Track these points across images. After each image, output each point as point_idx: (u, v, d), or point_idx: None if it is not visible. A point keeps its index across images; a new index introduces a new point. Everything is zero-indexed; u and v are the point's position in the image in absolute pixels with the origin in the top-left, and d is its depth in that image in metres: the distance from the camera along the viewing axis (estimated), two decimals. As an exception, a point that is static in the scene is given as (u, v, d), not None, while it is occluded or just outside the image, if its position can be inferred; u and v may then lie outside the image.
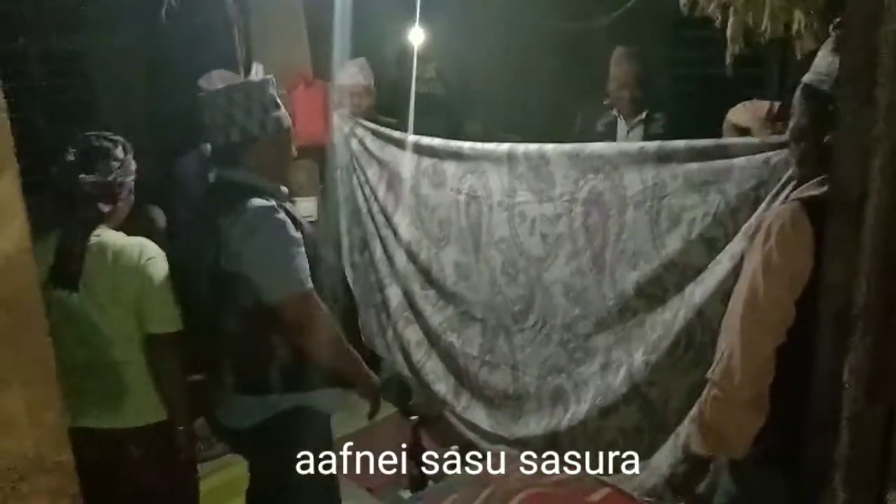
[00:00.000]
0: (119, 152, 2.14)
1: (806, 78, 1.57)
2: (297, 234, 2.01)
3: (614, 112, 3.50)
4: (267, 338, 2.05)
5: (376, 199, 3.44)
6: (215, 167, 2.17)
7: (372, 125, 3.50)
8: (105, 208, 2.10)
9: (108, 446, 2.11)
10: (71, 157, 2.09)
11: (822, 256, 1.42)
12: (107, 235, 2.09)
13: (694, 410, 1.71)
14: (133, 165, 2.19)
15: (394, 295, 3.37)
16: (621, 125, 3.48)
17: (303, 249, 2.00)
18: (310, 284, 1.99)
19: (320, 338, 2.03)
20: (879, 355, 1.30)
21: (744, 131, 2.98)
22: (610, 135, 3.47)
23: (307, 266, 2.00)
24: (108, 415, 2.11)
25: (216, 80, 3.24)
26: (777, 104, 2.81)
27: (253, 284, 1.96)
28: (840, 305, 1.35)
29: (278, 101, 2.14)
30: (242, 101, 2.05)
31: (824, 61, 1.54)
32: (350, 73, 3.73)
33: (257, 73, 3.42)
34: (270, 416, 2.07)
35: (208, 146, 3.29)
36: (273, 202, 2.02)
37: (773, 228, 1.50)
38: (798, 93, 1.59)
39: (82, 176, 2.06)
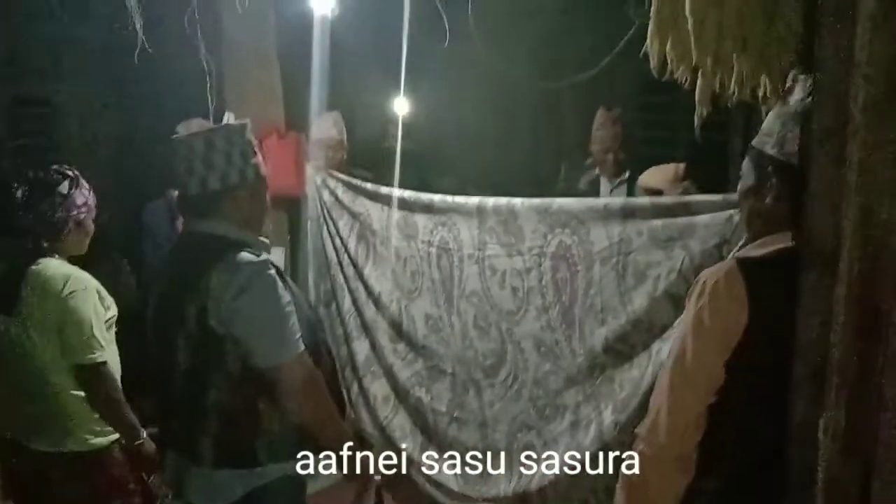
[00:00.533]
0: (64, 187, 2.26)
1: (754, 141, 1.60)
2: (287, 292, 1.90)
3: (597, 171, 3.54)
4: (254, 404, 1.88)
5: (346, 250, 3.42)
6: (188, 218, 2.02)
7: (344, 177, 3.51)
8: (46, 242, 2.24)
9: (41, 467, 2.24)
10: (17, 193, 2.23)
11: (762, 316, 1.42)
12: (44, 264, 2.22)
13: (623, 466, 1.68)
14: (81, 200, 2.29)
15: (361, 349, 3.32)
16: (604, 184, 3.52)
17: (293, 308, 1.89)
18: (303, 345, 1.87)
19: (313, 400, 1.91)
20: (855, 413, 1.28)
21: (656, 193, 3.14)
22: (593, 192, 3.50)
23: (298, 326, 1.89)
24: (41, 438, 2.24)
25: (194, 127, 3.25)
26: (682, 166, 3.05)
27: (244, 347, 1.82)
28: (814, 362, 1.34)
29: (255, 147, 2.02)
30: (223, 146, 1.92)
31: (769, 123, 1.57)
32: (324, 127, 3.76)
33: (229, 121, 3.43)
34: (254, 488, 1.90)
35: (175, 194, 3.29)
36: (264, 256, 1.90)
37: (707, 287, 1.50)
38: (746, 156, 1.62)
39: (20, 213, 2.22)
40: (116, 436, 2.31)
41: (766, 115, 1.74)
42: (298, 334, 1.86)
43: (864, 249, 1.23)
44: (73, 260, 2.35)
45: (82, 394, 2.24)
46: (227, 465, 1.90)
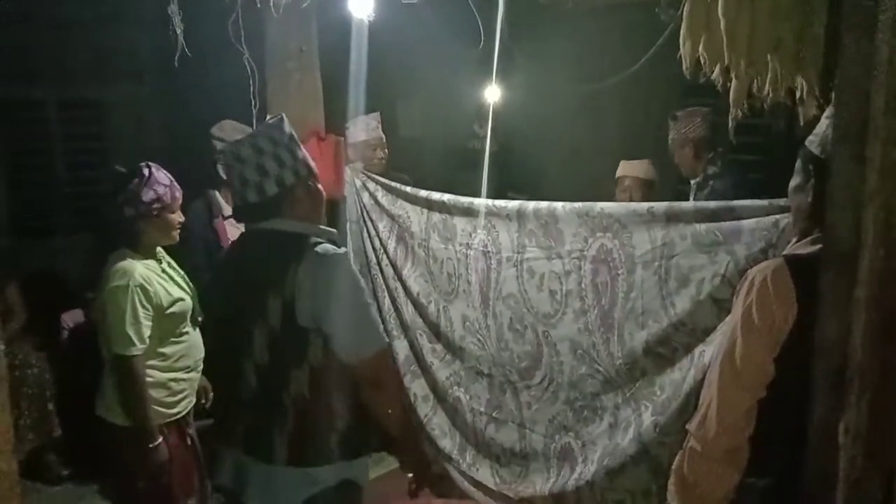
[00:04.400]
0: (134, 184, 2.40)
1: (807, 140, 1.63)
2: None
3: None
4: (330, 399, 1.88)
5: (386, 251, 3.47)
6: (246, 221, 2.03)
7: (383, 180, 3.56)
8: (120, 235, 2.44)
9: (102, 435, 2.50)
10: (102, 188, 2.49)
11: (811, 314, 1.42)
12: (112, 257, 2.42)
13: (675, 462, 1.70)
14: (151, 196, 2.42)
15: (401, 348, 3.36)
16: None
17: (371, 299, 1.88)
18: (387, 338, 1.88)
19: (396, 393, 1.95)
20: (876, 414, 1.28)
21: (650, 183, 3.63)
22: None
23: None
24: (98, 405, 2.50)
25: (228, 129, 3.33)
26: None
27: (333, 341, 1.81)
28: (835, 363, 1.35)
29: (298, 140, 2.02)
30: (270, 149, 1.91)
31: (820, 123, 1.60)
32: (368, 127, 3.84)
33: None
34: (317, 492, 1.88)
35: (214, 194, 3.36)
36: (344, 249, 1.91)
37: (755, 284, 1.52)
38: (799, 154, 1.65)
39: (101, 207, 2.48)
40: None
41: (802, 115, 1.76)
42: (382, 326, 1.89)
43: (884, 250, 1.24)
44: (167, 251, 2.60)
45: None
46: (302, 462, 1.88)
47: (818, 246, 1.50)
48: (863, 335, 1.28)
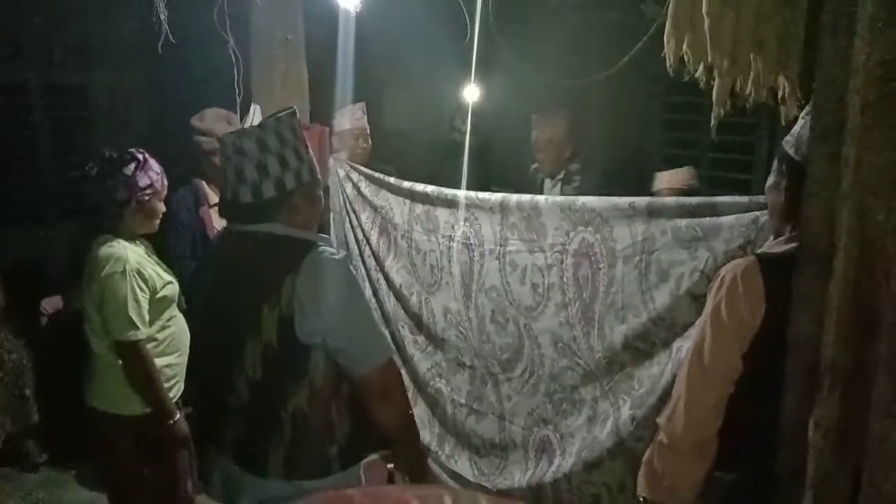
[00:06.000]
0: (129, 169, 2.40)
1: (784, 140, 1.65)
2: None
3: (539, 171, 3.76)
4: (329, 412, 1.77)
5: (368, 242, 3.46)
6: (234, 221, 1.85)
7: (367, 170, 3.55)
8: (108, 220, 2.43)
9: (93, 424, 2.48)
10: (90, 171, 2.41)
11: (780, 312, 1.44)
12: (97, 243, 2.41)
13: (646, 454, 1.72)
14: (145, 182, 2.43)
15: (382, 339, 3.36)
16: (547, 183, 3.74)
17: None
18: (393, 346, 1.77)
19: (404, 404, 1.82)
20: (846, 410, 1.31)
21: (678, 193, 3.29)
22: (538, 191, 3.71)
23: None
24: (89, 394, 2.48)
25: (210, 118, 3.31)
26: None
27: (339, 354, 1.70)
28: (808, 360, 1.37)
29: (307, 141, 1.85)
30: (276, 147, 1.74)
31: (797, 123, 1.62)
32: (353, 116, 3.83)
33: (255, 114, 3.47)
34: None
35: (200, 183, 3.33)
36: (343, 253, 1.76)
37: (725, 282, 1.55)
38: (776, 153, 1.68)
39: (90, 190, 2.42)
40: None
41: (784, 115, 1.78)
42: (387, 335, 1.79)
43: (858, 249, 1.26)
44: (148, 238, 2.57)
45: (118, 364, 2.40)
46: (299, 476, 1.77)
47: (791, 245, 1.53)
48: (835, 332, 1.30)
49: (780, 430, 1.44)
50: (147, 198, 2.44)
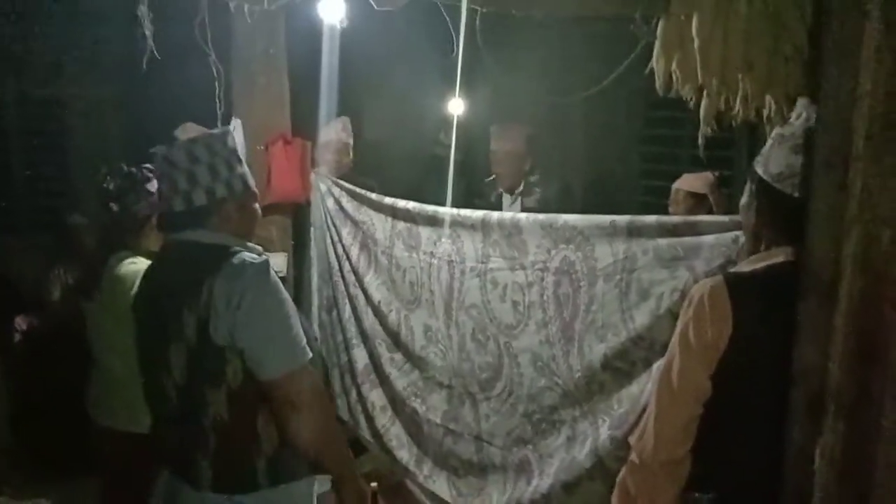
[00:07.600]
0: (152, 185, 2.37)
1: (755, 159, 1.65)
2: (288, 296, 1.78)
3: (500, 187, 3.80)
4: (254, 421, 1.75)
5: (349, 258, 3.43)
6: (169, 231, 1.90)
7: (348, 185, 3.52)
8: (127, 236, 2.43)
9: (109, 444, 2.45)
10: (109, 186, 2.38)
11: (748, 332, 1.45)
12: (117, 259, 2.40)
13: (620, 474, 1.71)
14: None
15: (360, 357, 3.33)
16: (506, 198, 3.76)
17: (296, 313, 1.77)
18: (310, 353, 1.75)
19: (321, 415, 1.78)
20: (852, 439, 1.29)
21: (698, 196, 3.37)
22: (498, 206, 3.76)
23: (303, 333, 1.76)
24: (102, 413, 2.49)
25: (192, 132, 3.28)
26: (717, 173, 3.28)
27: (248, 357, 1.70)
28: (813, 389, 1.36)
29: (241, 156, 1.92)
30: (206, 158, 1.80)
31: (767, 144, 1.62)
32: (335, 130, 3.82)
33: (236, 128, 3.45)
34: None
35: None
36: (265, 257, 1.78)
37: (693, 301, 1.53)
38: (748, 172, 1.67)
39: (110, 205, 2.39)
40: None
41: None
42: (305, 341, 1.76)
43: (864, 278, 1.25)
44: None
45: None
46: (226, 488, 1.76)
47: (762, 264, 1.52)
48: (840, 361, 1.29)
49: (786, 458, 1.42)
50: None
